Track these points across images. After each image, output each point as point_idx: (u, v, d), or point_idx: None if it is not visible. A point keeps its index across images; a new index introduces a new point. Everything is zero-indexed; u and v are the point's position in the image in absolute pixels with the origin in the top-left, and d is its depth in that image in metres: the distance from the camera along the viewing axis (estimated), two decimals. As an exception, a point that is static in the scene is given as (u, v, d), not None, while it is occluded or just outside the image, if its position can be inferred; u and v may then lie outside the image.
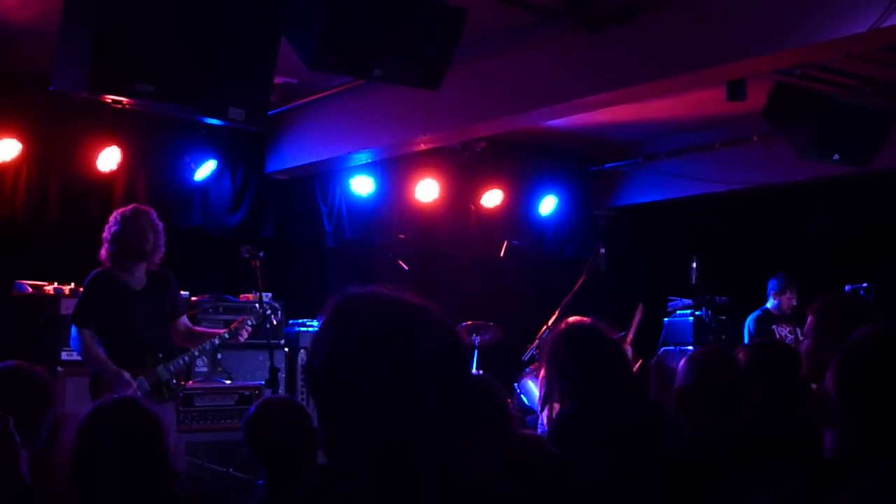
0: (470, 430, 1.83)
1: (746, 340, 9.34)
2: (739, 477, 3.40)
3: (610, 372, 3.95)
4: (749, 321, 9.40)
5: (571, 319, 4.44)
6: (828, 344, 3.81)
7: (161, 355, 6.38)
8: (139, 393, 6.10)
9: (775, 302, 9.33)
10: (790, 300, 9.26)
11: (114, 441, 3.05)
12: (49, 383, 3.98)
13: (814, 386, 4.00)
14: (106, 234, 6.35)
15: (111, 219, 6.40)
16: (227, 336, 6.62)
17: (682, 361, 3.79)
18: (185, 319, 6.73)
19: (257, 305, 6.93)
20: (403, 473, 1.74)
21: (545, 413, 4.19)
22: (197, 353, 6.69)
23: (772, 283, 9.41)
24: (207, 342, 6.64)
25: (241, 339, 6.71)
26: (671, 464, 3.58)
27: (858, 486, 2.00)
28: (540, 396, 4.37)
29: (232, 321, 6.90)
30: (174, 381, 6.43)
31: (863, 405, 2.15)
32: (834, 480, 2.10)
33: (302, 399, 9.03)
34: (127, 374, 6.12)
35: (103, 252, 6.36)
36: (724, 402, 3.68)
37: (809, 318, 3.98)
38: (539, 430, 4.56)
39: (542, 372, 4.25)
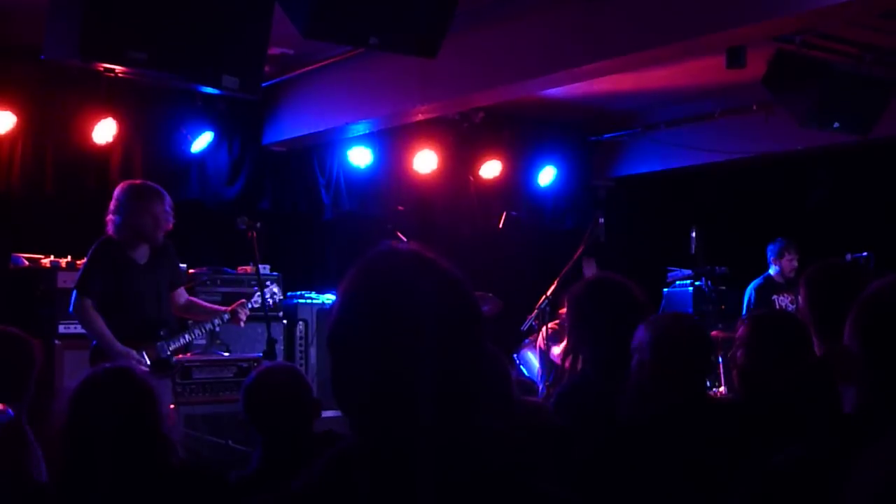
0: (475, 394, 1.80)
1: (745, 309, 9.31)
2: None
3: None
4: (750, 289, 9.37)
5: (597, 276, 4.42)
6: (819, 312, 3.80)
7: (163, 332, 6.35)
8: (145, 362, 6.10)
9: (777, 268, 9.29)
10: (791, 262, 9.20)
11: (106, 410, 3.02)
12: (29, 341, 3.99)
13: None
14: (118, 209, 6.25)
15: (123, 193, 6.29)
16: (227, 317, 6.61)
17: (643, 329, 3.66)
18: (183, 291, 6.70)
19: (257, 291, 6.88)
20: (402, 437, 1.72)
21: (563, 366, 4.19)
22: (198, 333, 6.66)
23: (770, 248, 9.37)
24: (208, 323, 6.62)
25: (241, 323, 6.70)
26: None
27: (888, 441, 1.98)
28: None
29: (230, 294, 6.86)
30: (174, 359, 6.42)
31: (887, 356, 2.13)
32: (859, 435, 2.08)
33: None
34: (134, 352, 6.09)
35: (110, 224, 6.28)
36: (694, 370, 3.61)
37: (801, 289, 3.95)
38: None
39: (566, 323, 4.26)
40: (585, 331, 4.07)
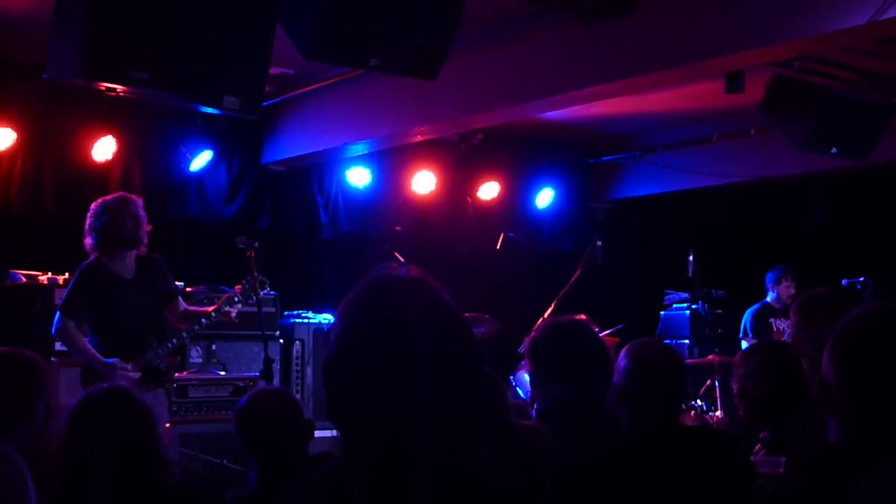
0: (472, 423, 1.80)
1: (742, 334, 9.33)
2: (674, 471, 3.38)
3: (588, 363, 3.91)
4: (747, 315, 9.39)
5: (551, 319, 4.41)
6: (804, 340, 3.81)
7: (151, 342, 6.34)
8: (129, 374, 6.08)
9: (774, 294, 9.32)
10: (788, 289, 9.24)
11: (104, 430, 3.03)
12: (40, 366, 3.97)
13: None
14: (93, 224, 6.28)
15: (94, 208, 6.33)
16: (213, 315, 6.56)
17: (623, 354, 3.70)
18: (180, 301, 6.69)
19: (244, 282, 6.85)
20: (398, 466, 1.72)
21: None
22: (185, 336, 6.64)
23: (769, 276, 9.40)
24: (196, 324, 6.58)
25: (233, 316, 6.63)
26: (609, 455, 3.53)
27: (879, 475, 1.98)
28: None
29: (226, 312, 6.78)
30: (164, 365, 6.38)
31: (863, 386, 2.13)
32: (845, 467, 2.07)
33: (297, 390, 9.02)
34: (119, 362, 6.09)
35: (90, 242, 6.29)
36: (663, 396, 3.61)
37: (791, 316, 3.97)
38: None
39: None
40: (543, 372, 4.06)
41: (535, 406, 3.96)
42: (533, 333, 4.18)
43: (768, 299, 9.40)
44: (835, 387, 2.17)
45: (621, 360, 3.60)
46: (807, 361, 3.80)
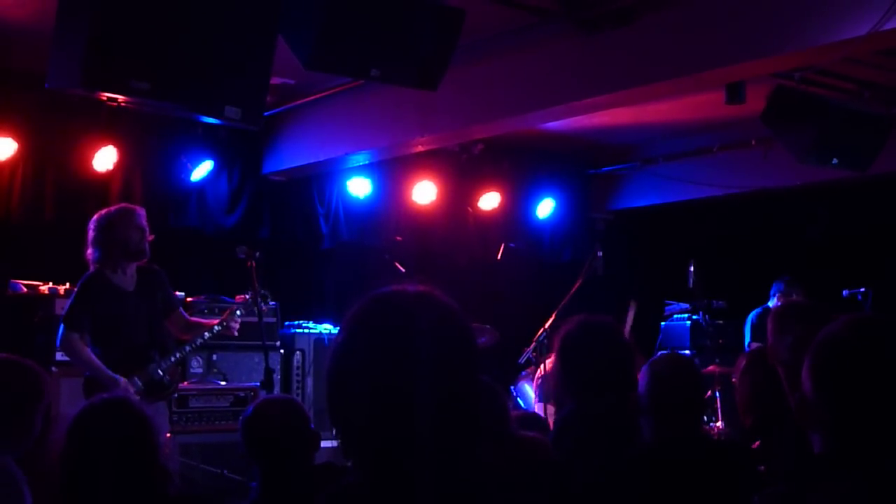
0: (473, 431, 1.80)
1: (747, 337, 9.31)
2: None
3: (613, 371, 3.93)
4: (750, 319, 9.36)
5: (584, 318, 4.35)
6: (779, 348, 3.82)
7: (154, 354, 6.33)
8: (132, 391, 6.06)
9: (778, 304, 9.28)
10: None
11: (104, 441, 3.02)
12: (40, 374, 3.95)
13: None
14: (98, 236, 6.27)
15: (99, 220, 6.31)
16: (217, 328, 6.55)
17: (644, 369, 3.76)
18: (182, 313, 6.69)
19: (247, 296, 6.85)
20: (401, 476, 1.72)
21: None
22: (188, 349, 6.62)
23: (777, 286, 9.34)
24: (199, 337, 6.57)
25: (234, 331, 6.63)
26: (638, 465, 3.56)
27: (843, 486, 1.98)
28: (538, 393, 4.36)
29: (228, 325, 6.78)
30: (167, 378, 6.37)
31: (844, 401, 2.12)
32: (828, 479, 2.07)
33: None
34: (123, 380, 6.08)
35: (94, 254, 6.28)
36: (685, 408, 3.66)
37: (769, 324, 3.98)
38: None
39: (549, 367, 4.25)
40: (573, 374, 4.05)
41: (562, 412, 3.97)
42: (563, 330, 4.16)
43: (769, 305, 9.37)
44: (814, 401, 2.16)
45: (644, 371, 3.66)
46: (783, 369, 3.82)
